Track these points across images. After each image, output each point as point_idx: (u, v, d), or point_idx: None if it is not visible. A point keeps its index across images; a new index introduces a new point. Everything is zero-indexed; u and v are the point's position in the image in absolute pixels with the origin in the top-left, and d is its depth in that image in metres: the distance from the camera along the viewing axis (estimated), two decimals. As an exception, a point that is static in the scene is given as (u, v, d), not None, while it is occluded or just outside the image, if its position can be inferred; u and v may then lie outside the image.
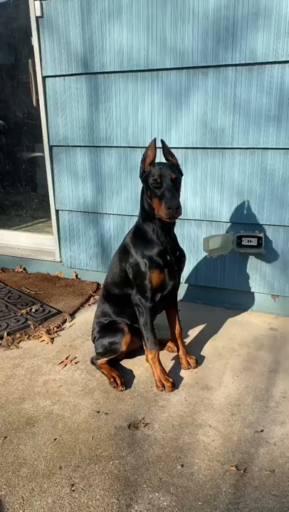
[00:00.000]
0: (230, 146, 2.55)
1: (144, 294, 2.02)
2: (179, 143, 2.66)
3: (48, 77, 2.92)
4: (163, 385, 2.08)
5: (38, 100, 3.02)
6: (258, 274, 2.73)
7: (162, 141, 2.01)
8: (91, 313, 2.90)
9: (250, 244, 2.60)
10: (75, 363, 2.35)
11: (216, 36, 2.39)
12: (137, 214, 2.89)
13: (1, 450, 1.76)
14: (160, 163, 1.94)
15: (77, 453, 1.74)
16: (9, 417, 1.95)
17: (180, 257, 2.10)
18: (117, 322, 2.18)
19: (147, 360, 2.16)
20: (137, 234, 2.06)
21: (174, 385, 2.10)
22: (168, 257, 2.02)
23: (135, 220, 2.95)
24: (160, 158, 2.07)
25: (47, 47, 2.84)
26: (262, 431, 1.82)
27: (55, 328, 2.67)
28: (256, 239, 2.58)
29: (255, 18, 2.29)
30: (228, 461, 1.68)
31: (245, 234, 2.60)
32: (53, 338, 2.59)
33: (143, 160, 1.99)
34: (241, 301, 2.84)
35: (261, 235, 2.58)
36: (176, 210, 1.81)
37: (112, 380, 2.12)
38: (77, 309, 2.95)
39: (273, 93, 2.38)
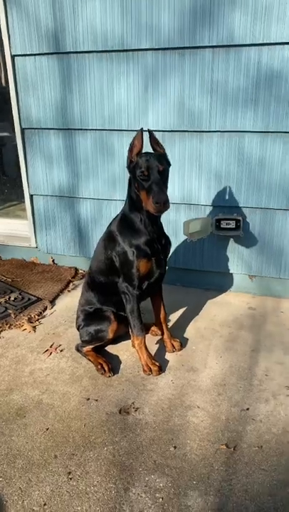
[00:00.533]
0: (207, 130, 2.55)
1: (132, 282, 2.03)
2: (156, 126, 2.63)
3: (17, 56, 2.79)
4: (150, 369, 2.12)
5: (7, 80, 2.90)
6: (236, 256, 2.79)
7: (149, 131, 1.97)
8: (71, 299, 2.90)
9: (229, 227, 2.64)
10: (60, 351, 2.35)
11: (192, 17, 2.35)
12: (115, 198, 2.90)
13: (-7, 443, 1.76)
14: (147, 154, 1.91)
15: (70, 441, 1.77)
16: (-1, 409, 1.95)
17: (166, 245, 2.11)
18: (103, 310, 2.19)
19: (134, 346, 2.19)
20: (124, 222, 2.05)
21: (161, 369, 2.14)
22: (155, 246, 2.03)
23: (113, 204, 2.95)
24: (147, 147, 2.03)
25: (15, 25, 2.71)
26: (248, 409, 1.90)
27: (36, 316, 2.64)
28: (234, 221, 2.62)
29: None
30: (218, 440, 1.75)
31: (224, 217, 2.64)
32: (35, 327, 2.57)
33: (130, 150, 1.95)
34: (220, 282, 2.91)
35: (239, 217, 2.62)
36: (163, 204, 1.81)
37: (99, 366, 2.14)
38: (57, 295, 2.93)
39: (250, 76, 2.38)
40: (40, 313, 2.69)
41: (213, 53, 2.40)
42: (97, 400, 1.98)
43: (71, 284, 3.10)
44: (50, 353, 2.33)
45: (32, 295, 2.88)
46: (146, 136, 1.95)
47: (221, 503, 1.50)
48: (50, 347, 2.38)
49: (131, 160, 1.95)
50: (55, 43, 2.65)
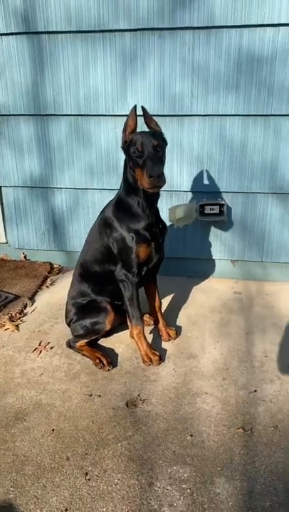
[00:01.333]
0: (189, 113, 2.51)
1: (131, 269, 1.95)
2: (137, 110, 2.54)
3: (-20, 36, 2.59)
4: (150, 360, 2.05)
5: None
6: (219, 241, 2.78)
7: (143, 108, 1.90)
8: (51, 294, 2.75)
9: (213, 212, 2.62)
10: (50, 348, 2.21)
11: (172, -4, 2.30)
12: (92, 187, 2.79)
13: (-3, 451, 1.62)
14: (142, 132, 1.83)
15: (81, 440, 1.66)
16: (-5, 414, 1.80)
17: (163, 230, 2.04)
18: (98, 301, 2.09)
19: (132, 337, 2.11)
20: (120, 207, 1.95)
21: (161, 358, 2.08)
22: (154, 230, 1.95)
23: (90, 192, 2.83)
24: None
25: (-23, 1, 2.51)
26: (255, 391, 1.89)
27: (17, 315, 2.48)
28: (218, 207, 2.61)
29: (212, -22, 2.23)
30: (233, 424, 1.72)
31: (208, 202, 2.62)
32: (17, 325, 2.40)
33: (124, 130, 1.87)
34: (203, 268, 2.89)
35: (223, 202, 2.61)
36: (158, 178, 1.73)
37: (97, 361, 2.04)
38: (36, 292, 2.77)
39: (232, 58, 2.37)
40: (21, 311, 2.53)
41: (193, 35, 2.36)
42: (100, 396, 1.89)
43: (48, 279, 2.95)
44: (40, 352, 2.19)
45: (9, 293, 2.70)
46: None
47: (249, 486, 1.47)
48: (39, 345, 2.24)
49: (125, 140, 1.87)
50: (24, 22, 2.48)
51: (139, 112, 1.91)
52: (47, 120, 2.69)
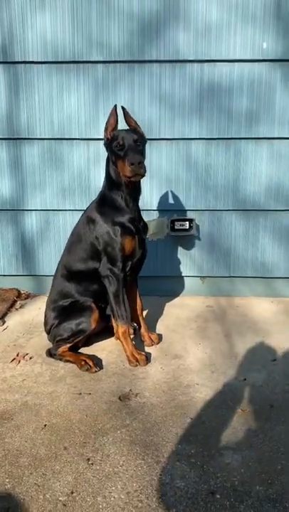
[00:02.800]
0: (157, 137, 2.71)
1: (116, 263, 1.97)
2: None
3: None
4: (136, 360, 2.01)
5: None
6: (188, 258, 2.88)
7: (123, 108, 2.05)
8: (23, 316, 2.66)
9: (183, 228, 2.75)
10: (30, 358, 2.11)
11: (141, 33, 2.57)
12: (64, 208, 2.84)
13: (-13, 446, 1.48)
14: (123, 129, 1.97)
15: (76, 431, 1.57)
16: (-21, 415, 1.65)
17: (145, 226, 2.12)
18: (81, 301, 2.06)
19: (118, 338, 2.07)
20: (104, 203, 2.02)
21: (148, 359, 2.05)
22: (136, 224, 2.02)
23: (61, 214, 2.88)
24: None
25: None
26: (245, 379, 1.91)
27: (-11, 332, 2.36)
28: (188, 222, 2.75)
29: (176, 20, 2.55)
30: (231, 407, 1.71)
31: (178, 218, 2.75)
32: (-10, 341, 2.28)
33: (106, 129, 2.00)
34: (173, 287, 2.95)
35: (192, 218, 2.76)
36: (138, 165, 1.84)
37: (82, 363, 1.97)
38: (5, 314, 2.66)
39: (195, 88, 2.64)
40: (-7, 328, 2.41)
41: (160, 67, 2.63)
42: (90, 394, 1.81)
43: (17, 303, 2.85)
44: (19, 361, 2.08)
45: (-23, 314, 2.57)
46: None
47: (258, 454, 1.45)
48: (17, 356, 2.13)
49: (107, 137, 1.99)
50: (1, 52, 2.64)
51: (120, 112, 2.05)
52: (20, 144, 2.77)
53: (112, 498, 1.27)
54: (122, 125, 2.09)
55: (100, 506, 1.25)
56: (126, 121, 2.04)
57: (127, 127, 2.07)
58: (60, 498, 1.27)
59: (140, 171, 1.84)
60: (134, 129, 2.02)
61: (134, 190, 2.00)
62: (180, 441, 1.51)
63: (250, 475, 1.35)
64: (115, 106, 2.01)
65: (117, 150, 1.90)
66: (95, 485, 1.32)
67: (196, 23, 2.56)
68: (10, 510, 1.24)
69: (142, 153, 1.94)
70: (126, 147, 1.88)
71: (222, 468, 1.38)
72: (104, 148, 2.04)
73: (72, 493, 1.29)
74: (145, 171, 1.87)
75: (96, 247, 2.01)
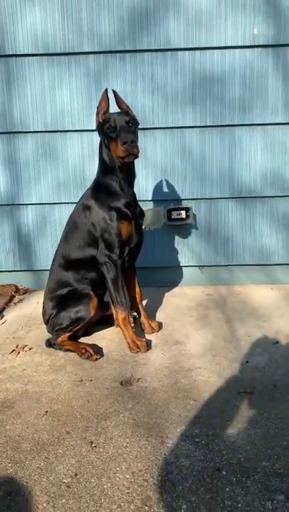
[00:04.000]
0: (151, 126, 2.69)
1: (113, 249, 1.95)
2: (100, 126, 2.70)
3: None
4: (137, 346, 1.99)
5: None
6: (186, 248, 2.87)
7: (114, 92, 2.04)
8: (21, 310, 2.64)
9: (180, 217, 2.74)
10: (29, 349, 2.09)
11: (131, 23, 2.56)
12: (63, 200, 2.82)
13: (-13, 432, 1.46)
14: (114, 112, 1.97)
15: (78, 416, 1.55)
16: (-21, 404, 1.63)
17: (141, 211, 2.10)
18: (80, 289, 2.04)
19: (118, 325, 2.05)
20: (98, 189, 2.00)
21: (148, 345, 2.03)
22: (132, 209, 2.00)
23: (57, 207, 2.87)
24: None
25: None
26: (247, 362, 1.89)
27: (-13, 325, 2.34)
28: (184, 211, 2.73)
29: (166, 8, 2.54)
30: (234, 388, 1.69)
31: (174, 207, 2.74)
32: (-11, 334, 2.26)
33: (97, 113, 1.99)
34: (172, 277, 2.93)
35: (190, 205, 2.74)
36: (131, 143, 1.83)
37: (83, 351, 1.95)
38: (3, 308, 2.63)
39: (187, 76, 2.63)
40: (-9, 322, 2.39)
41: (152, 56, 2.62)
42: (91, 380, 1.79)
43: (15, 298, 2.83)
44: (18, 352, 2.06)
45: (-25, 309, 2.55)
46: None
47: (263, 432, 1.43)
48: (16, 347, 2.10)
49: (99, 121, 1.98)
50: (-9, 46, 2.63)
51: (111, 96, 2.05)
52: (13, 137, 2.75)
53: (117, 479, 1.25)
54: (113, 110, 2.08)
55: (105, 486, 1.23)
56: (117, 105, 2.03)
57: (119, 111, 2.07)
58: (64, 480, 1.25)
59: (133, 151, 1.83)
60: (125, 111, 2.01)
61: (128, 174, 1.99)
62: (184, 422, 1.49)
63: (256, 451, 1.34)
64: (106, 90, 2.00)
65: (109, 132, 1.89)
66: (98, 466, 1.30)
67: (187, 10, 2.55)
68: (12, 493, 1.22)
69: (135, 134, 1.93)
70: (118, 128, 1.87)
71: (227, 446, 1.37)
72: (97, 133, 2.02)
73: (76, 475, 1.27)
74: (138, 151, 1.86)
75: (93, 234, 1.99)
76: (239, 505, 1.15)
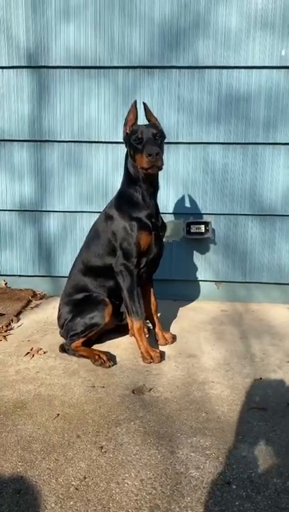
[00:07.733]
0: (175, 141, 2.74)
1: (130, 258, 1.97)
2: (125, 138, 2.75)
3: (-20, 69, 2.79)
4: (151, 357, 1.99)
5: None
6: (204, 262, 2.88)
7: (144, 104, 2.08)
8: (38, 314, 2.67)
9: (199, 231, 2.75)
10: (44, 353, 2.11)
11: (161, 40, 2.64)
12: (85, 209, 2.87)
13: None
14: (143, 124, 2.01)
15: (90, 421, 1.55)
16: (-7, 402, 1.65)
17: (163, 224, 2.13)
18: (95, 295, 2.06)
19: (132, 334, 2.06)
20: (121, 199, 2.04)
21: (162, 356, 2.03)
22: (154, 221, 2.03)
23: (79, 216, 2.91)
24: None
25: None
26: (260, 379, 1.88)
27: (4, 327, 2.37)
28: (203, 226, 2.75)
29: (196, 27, 2.61)
30: (246, 404, 1.67)
31: (194, 221, 2.76)
32: (5, 336, 2.29)
33: (125, 124, 2.04)
34: (188, 291, 2.93)
35: (209, 220, 2.76)
36: (156, 155, 1.85)
37: (96, 357, 1.96)
38: (20, 312, 2.67)
39: (213, 94, 2.68)
40: (8, 324, 2.42)
41: (179, 73, 2.68)
42: (104, 387, 1.79)
43: (32, 302, 2.87)
44: (33, 355, 2.08)
45: (-7, 311, 2.59)
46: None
47: (275, 449, 1.41)
48: (31, 350, 2.13)
49: (127, 133, 2.02)
50: (26, 58, 2.72)
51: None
52: (41, 146, 2.83)
53: (126, 485, 1.25)
54: (141, 122, 2.12)
55: (113, 491, 1.22)
56: (146, 117, 2.07)
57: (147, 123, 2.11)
58: (73, 483, 1.25)
59: (157, 163, 1.87)
60: (153, 124, 2.05)
61: (151, 185, 2.02)
62: (195, 434, 1.48)
63: (267, 468, 1.32)
64: (135, 102, 2.05)
65: (135, 144, 1.93)
66: (108, 471, 1.30)
67: (216, 30, 2.61)
68: (22, 491, 1.22)
69: (160, 147, 1.97)
70: (144, 140, 1.91)
71: (238, 460, 1.35)
72: (124, 144, 2.07)
73: (85, 478, 1.27)
74: (162, 163, 1.90)
75: (112, 243, 2.01)
76: (248, 520, 1.13)
